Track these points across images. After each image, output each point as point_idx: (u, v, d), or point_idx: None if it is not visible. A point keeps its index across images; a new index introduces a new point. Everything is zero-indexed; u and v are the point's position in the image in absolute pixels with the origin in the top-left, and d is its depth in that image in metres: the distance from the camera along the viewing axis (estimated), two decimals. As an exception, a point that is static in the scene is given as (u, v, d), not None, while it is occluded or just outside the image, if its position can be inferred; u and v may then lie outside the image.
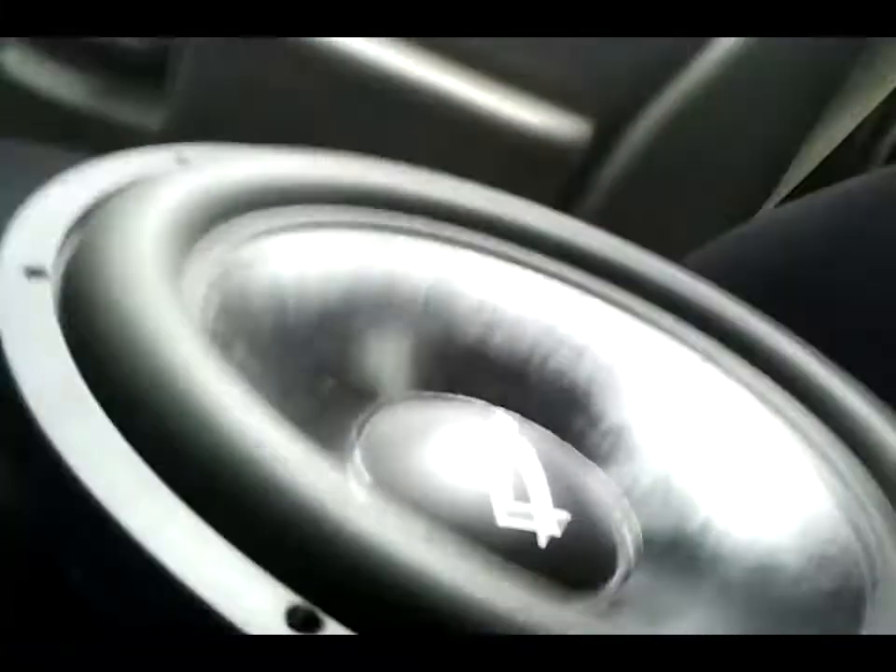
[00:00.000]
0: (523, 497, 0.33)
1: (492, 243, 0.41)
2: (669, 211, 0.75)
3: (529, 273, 0.40)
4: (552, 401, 0.38)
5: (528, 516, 0.32)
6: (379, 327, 0.36)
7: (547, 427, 0.37)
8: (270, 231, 0.33)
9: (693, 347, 0.41)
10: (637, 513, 0.36)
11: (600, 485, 0.36)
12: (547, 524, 0.32)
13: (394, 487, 0.31)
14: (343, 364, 0.34)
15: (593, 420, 0.38)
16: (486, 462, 0.33)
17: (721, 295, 0.43)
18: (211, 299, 0.28)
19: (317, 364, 0.32)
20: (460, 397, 0.37)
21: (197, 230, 0.30)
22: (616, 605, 0.32)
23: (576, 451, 0.37)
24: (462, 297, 0.39)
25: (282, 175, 0.35)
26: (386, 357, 0.36)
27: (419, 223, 0.39)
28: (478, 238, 0.40)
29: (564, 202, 0.73)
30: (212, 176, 0.32)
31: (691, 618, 0.31)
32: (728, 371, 0.40)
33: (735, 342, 0.41)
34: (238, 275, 0.31)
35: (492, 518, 0.31)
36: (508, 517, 0.31)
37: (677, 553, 0.35)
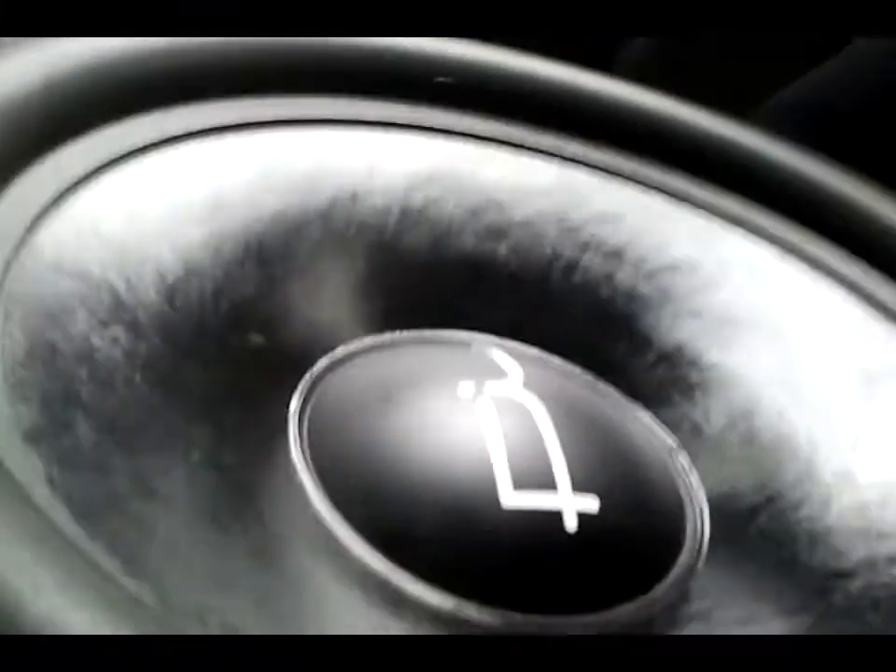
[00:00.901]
0: (541, 464, 0.24)
1: (492, 124, 0.31)
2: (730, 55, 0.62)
3: (542, 161, 0.30)
4: (580, 326, 0.28)
5: (550, 489, 0.23)
6: (335, 251, 0.27)
7: (576, 362, 0.28)
8: (156, 143, 0.24)
9: (771, 237, 0.30)
10: (707, 469, 0.26)
11: (651, 436, 0.27)
12: (576, 498, 0.23)
13: (345, 474, 0.22)
14: (277, 314, 0.25)
15: (637, 346, 0.28)
16: (486, 422, 0.24)
17: (806, 158, 0.32)
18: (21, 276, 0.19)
19: (236, 321, 0.24)
20: (454, 334, 0.27)
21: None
22: (676, 611, 0.23)
23: (616, 391, 0.28)
24: (455, 195, 0.29)
25: (163, 52, 0.25)
26: (344, 291, 0.27)
27: (390, 108, 0.29)
28: (471, 119, 0.30)
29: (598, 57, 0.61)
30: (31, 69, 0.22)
31: (784, 626, 0.22)
32: (819, 266, 0.29)
33: (826, 220, 0.30)
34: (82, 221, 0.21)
35: (495, 498, 0.22)
36: (518, 495, 0.23)
37: (765, 520, 0.25)
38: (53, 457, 0.16)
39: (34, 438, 0.16)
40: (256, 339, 0.24)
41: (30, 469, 0.15)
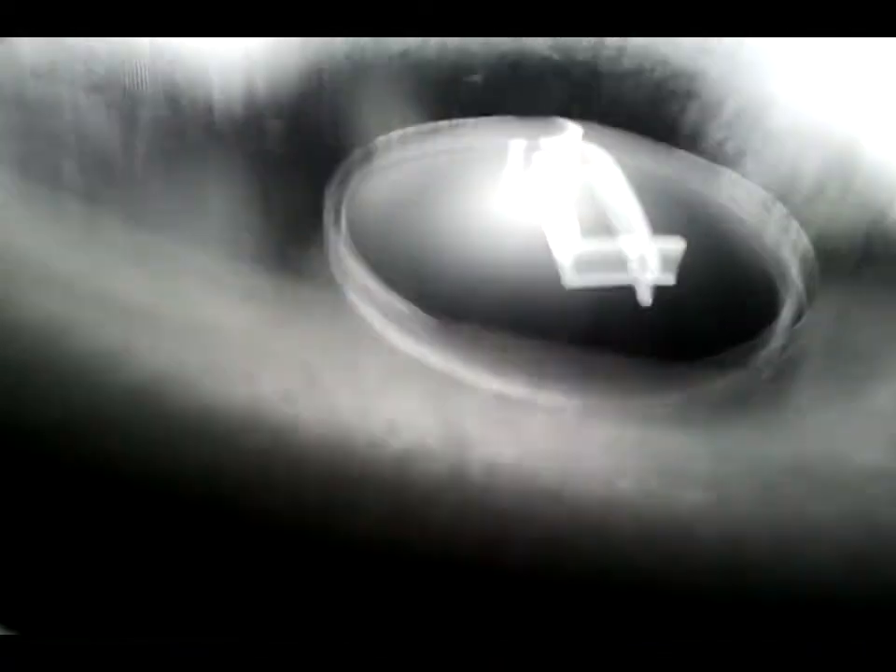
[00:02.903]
0: (603, 231, 0.21)
1: None
2: None
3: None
4: (642, 98, 0.25)
5: (616, 262, 0.20)
6: (354, 58, 0.24)
7: (641, 135, 0.25)
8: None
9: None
10: (803, 224, 0.23)
11: (735, 196, 0.24)
12: (649, 265, 0.20)
13: (392, 263, 0.20)
14: (296, 120, 0.23)
15: (709, 108, 0.25)
16: (536, 196, 0.21)
17: None
18: None
19: (250, 127, 0.21)
20: (501, 119, 0.25)
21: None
22: (783, 374, 0.20)
23: (689, 156, 0.25)
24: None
25: None
26: (372, 94, 0.24)
27: None
28: None
29: None
30: None
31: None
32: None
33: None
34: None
35: (554, 276, 0.20)
36: (579, 273, 0.20)
37: (881, 264, 0.22)
38: (29, 219, 0.14)
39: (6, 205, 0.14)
40: (276, 147, 0.22)
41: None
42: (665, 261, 0.20)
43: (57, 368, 0.11)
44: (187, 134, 0.20)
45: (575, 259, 0.20)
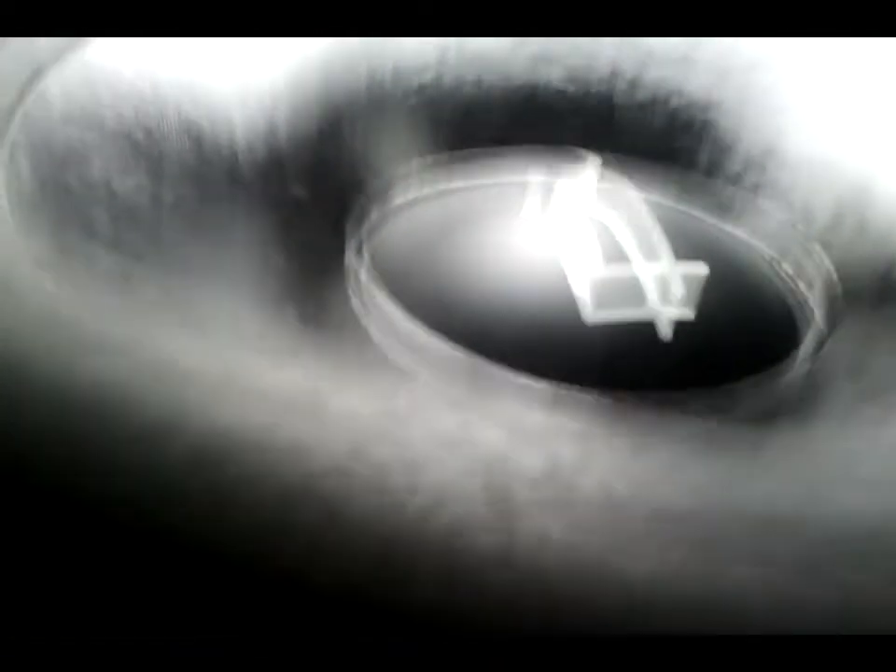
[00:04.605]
0: (623, 262, 0.21)
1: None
2: None
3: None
4: (653, 144, 0.26)
5: (636, 296, 0.21)
6: (374, 96, 0.25)
7: (653, 186, 0.25)
8: None
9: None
10: (820, 269, 0.23)
11: (754, 227, 0.24)
12: (670, 297, 0.20)
13: (418, 297, 0.21)
14: (318, 164, 0.23)
15: (723, 147, 0.25)
16: (555, 229, 0.21)
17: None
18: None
19: (273, 171, 0.22)
20: (520, 150, 0.25)
21: None
22: (806, 394, 0.20)
23: (704, 211, 0.25)
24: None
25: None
26: (388, 139, 0.24)
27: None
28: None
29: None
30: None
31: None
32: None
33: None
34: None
35: (576, 315, 0.20)
36: (601, 309, 0.20)
37: (892, 295, 0.22)
38: (66, 279, 0.15)
39: (45, 264, 0.15)
40: (298, 190, 0.22)
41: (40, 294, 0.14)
42: (686, 291, 0.20)
43: (105, 440, 0.11)
44: (211, 180, 0.21)
45: (595, 295, 0.20)
